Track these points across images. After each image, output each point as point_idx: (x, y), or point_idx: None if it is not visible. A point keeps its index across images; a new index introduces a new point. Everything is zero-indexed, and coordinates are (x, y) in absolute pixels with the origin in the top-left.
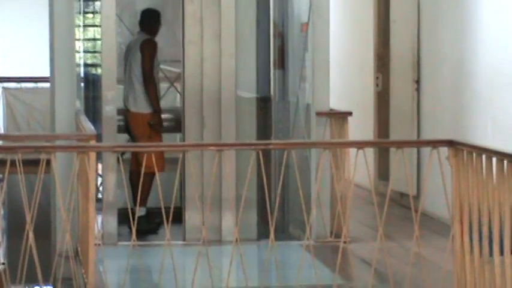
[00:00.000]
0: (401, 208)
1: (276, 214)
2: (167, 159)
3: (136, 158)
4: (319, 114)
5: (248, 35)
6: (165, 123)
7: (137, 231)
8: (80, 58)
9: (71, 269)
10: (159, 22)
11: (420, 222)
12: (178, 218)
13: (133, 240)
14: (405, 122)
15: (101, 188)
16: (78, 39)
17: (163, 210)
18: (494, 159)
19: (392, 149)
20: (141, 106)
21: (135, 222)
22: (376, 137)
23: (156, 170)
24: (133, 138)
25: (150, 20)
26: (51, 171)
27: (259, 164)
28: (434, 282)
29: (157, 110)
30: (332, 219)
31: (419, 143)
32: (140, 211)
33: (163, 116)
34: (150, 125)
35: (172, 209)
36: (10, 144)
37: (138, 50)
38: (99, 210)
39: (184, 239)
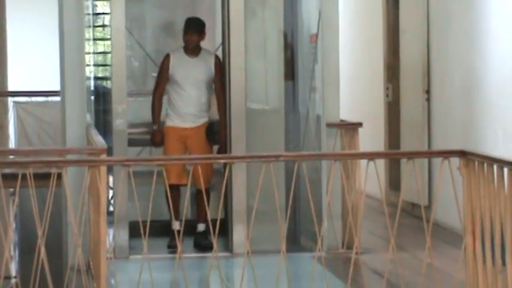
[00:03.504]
0: (413, 218)
1: (287, 225)
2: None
3: (180, 173)
4: (329, 125)
5: (258, 47)
6: None
7: (196, 246)
8: (90, 72)
9: (83, 283)
10: (184, 31)
11: (432, 233)
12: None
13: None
14: (416, 132)
15: (112, 201)
16: (88, 53)
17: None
18: (505, 169)
19: (403, 160)
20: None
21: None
22: (387, 147)
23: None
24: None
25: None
26: (62, 185)
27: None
28: None
29: (154, 127)
30: (343, 230)
31: (430, 154)
32: (200, 227)
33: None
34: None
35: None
36: (21, 159)
37: None
38: (110, 223)
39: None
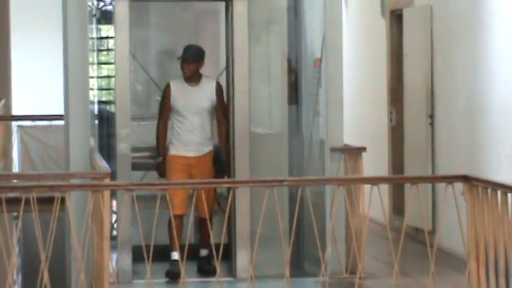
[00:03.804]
0: (416, 243)
1: (290, 250)
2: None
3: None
4: (333, 149)
5: (262, 71)
6: None
7: (200, 270)
8: (94, 95)
9: None
10: (181, 60)
11: (436, 258)
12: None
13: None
14: (420, 157)
15: (115, 226)
16: (92, 77)
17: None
18: (509, 195)
19: (407, 184)
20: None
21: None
22: (391, 172)
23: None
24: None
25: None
26: (65, 210)
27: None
28: None
29: (159, 159)
30: (347, 255)
31: (434, 179)
32: (202, 252)
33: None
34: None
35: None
36: (25, 183)
37: None
38: (113, 248)
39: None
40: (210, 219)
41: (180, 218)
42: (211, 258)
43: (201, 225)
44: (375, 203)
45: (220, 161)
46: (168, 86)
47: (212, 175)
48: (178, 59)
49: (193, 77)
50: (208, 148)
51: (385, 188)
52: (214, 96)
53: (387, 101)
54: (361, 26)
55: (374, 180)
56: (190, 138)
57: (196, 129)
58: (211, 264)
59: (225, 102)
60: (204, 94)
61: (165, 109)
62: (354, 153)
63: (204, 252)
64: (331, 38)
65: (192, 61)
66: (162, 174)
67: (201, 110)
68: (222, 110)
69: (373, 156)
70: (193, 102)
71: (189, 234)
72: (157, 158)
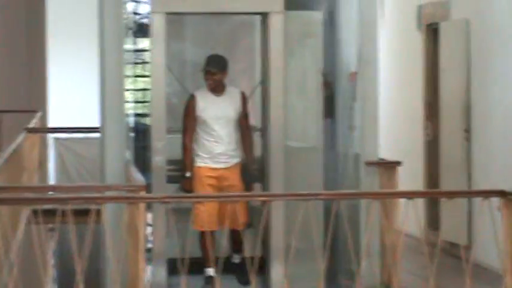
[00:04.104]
0: (452, 258)
1: (325, 264)
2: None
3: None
4: (368, 164)
5: (298, 85)
6: None
7: (238, 281)
8: (129, 108)
9: None
10: (204, 71)
11: (472, 273)
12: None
13: None
14: (455, 171)
15: (150, 238)
16: (128, 90)
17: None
18: None
19: (442, 199)
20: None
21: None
22: (426, 186)
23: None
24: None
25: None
26: (101, 222)
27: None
28: None
29: (187, 174)
30: (382, 269)
31: (469, 193)
32: (235, 258)
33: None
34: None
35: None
36: (61, 195)
37: None
38: (148, 260)
39: None
40: (242, 232)
41: (210, 232)
42: (246, 270)
43: (233, 234)
44: (410, 217)
45: (248, 172)
46: (192, 98)
47: (242, 187)
48: (201, 70)
49: (217, 88)
50: (236, 159)
51: (420, 202)
52: (239, 106)
53: (423, 114)
54: (397, 39)
55: (409, 194)
56: (218, 149)
57: (224, 139)
58: (247, 277)
59: (249, 112)
60: (230, 104)
61: (191, 120)
62: (389, 167)
63: (236, 258)
64: (367, 51)
65: (215, 71)
66: (188, 190)
67: (228, 120)
68: (246, 120)
69: (409, 170)
70: (220, 112)
71: (224, 247)
72: (186, 173)
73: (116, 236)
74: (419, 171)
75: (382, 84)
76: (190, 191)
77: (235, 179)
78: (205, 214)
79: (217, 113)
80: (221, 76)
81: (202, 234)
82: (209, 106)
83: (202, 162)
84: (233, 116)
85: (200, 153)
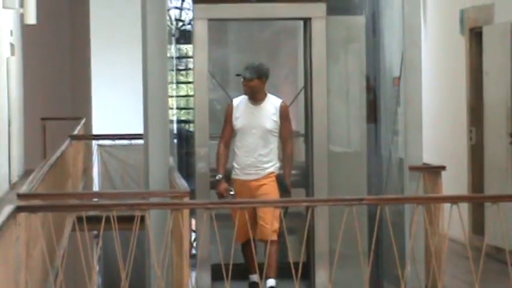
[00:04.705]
0: (497, 263)
1: (370, 269)
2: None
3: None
4: (412, 168)
5: (341, 90)
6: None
7: None
8: (173, 115)
9: None
10: (242, 78)
11: None
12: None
13: None
14: (500, 176)
15: (194, 244)
16: (171, 96)
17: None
18: None
19: (487, 203)
20: None
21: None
22: (471, 191)
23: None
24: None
25: None
26: (145, 228)
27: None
28: None
29: (218, 177)
30: (427, 274)
31: None
32: (269, 282)
33: None
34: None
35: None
36: (105, 201)
37: None
38: (193, 266)
39: None
40: (278, 244)
41: (249, 240)
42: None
43: (268, 250)
44: (454, 221)
45: (283, 184)
46: (230, 105)
47: (277, 196)
48: (236, 75)
49: (256, 96)
50: (268, 170)
51: (465, 206)
52: (277, 118)
53: (467, 119)
54: (440, 44)
55: (454, 199)
56: (248, 161)
57: (254, 151)
58: None
59: (291, 124)
60: (265, 114)
61: (227, 128)
62: (433, 172)
63: (271, 282)
64: (410, 56)
65: (250, 78)
66: (221, 193)
67: (262, 131)
68: (286, 134)
69: (453, 174)
70: (253, 122)
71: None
72: (217, 176)
73: (160, 242)
74: (463, 176)
75: (426, 89)
76: (222, 194)
77: (267, 188)
78: (239, 226)
79: (251, 122)
80: (258, 83)
81: (242, 244)
82: (244, 115)
83: (236, 175)
84: (268, 127)
85: (234, 164)
